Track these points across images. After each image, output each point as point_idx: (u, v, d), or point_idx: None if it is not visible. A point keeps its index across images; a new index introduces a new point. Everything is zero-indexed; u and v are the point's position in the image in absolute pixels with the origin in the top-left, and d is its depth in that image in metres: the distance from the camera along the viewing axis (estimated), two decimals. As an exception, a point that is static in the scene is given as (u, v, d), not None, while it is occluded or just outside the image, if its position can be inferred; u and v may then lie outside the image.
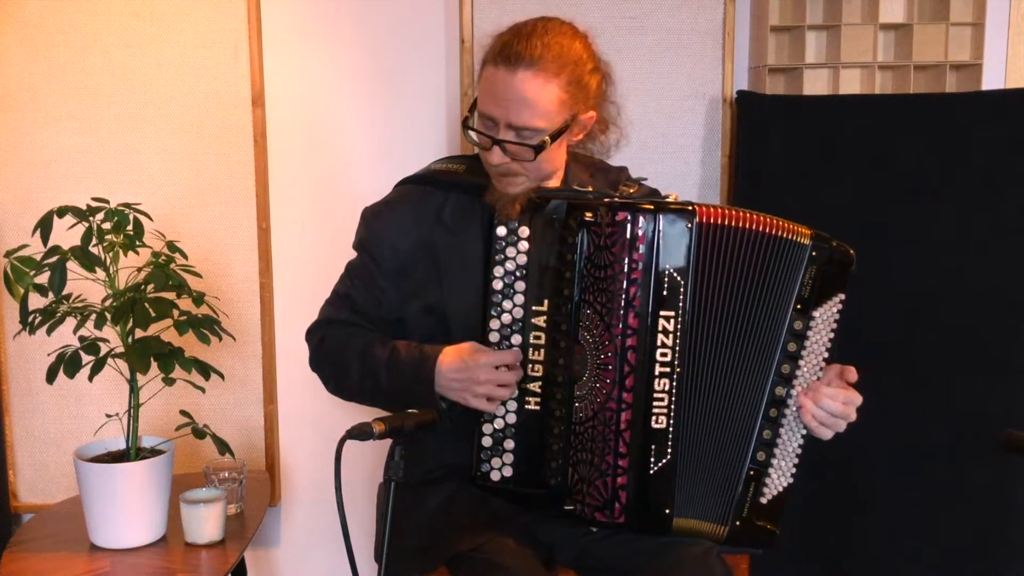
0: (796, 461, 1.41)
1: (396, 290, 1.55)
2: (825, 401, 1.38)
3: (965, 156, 2.12)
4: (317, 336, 1.59)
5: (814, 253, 1.37)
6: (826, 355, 1.40)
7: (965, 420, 2.14)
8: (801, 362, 1.39)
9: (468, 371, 1.41)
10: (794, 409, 1.40)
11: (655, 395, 1.37)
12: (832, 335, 1.40)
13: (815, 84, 2.21)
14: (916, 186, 2.13)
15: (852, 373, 1.42)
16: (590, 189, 1.46)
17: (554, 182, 1.55)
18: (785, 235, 1.37)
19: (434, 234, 1.53)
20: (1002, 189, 2.13)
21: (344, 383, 1.56)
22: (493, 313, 1.44)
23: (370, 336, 1.54)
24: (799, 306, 1.38)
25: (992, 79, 2.25)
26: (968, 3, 2.19)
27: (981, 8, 2.19)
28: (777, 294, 1.38)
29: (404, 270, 1.54)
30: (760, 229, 1.37)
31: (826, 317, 1.39)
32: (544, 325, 1.42)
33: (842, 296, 1.39)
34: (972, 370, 2.14)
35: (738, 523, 1.40)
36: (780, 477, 1.41)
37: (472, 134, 1.48)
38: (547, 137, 1.42)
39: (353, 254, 1.62)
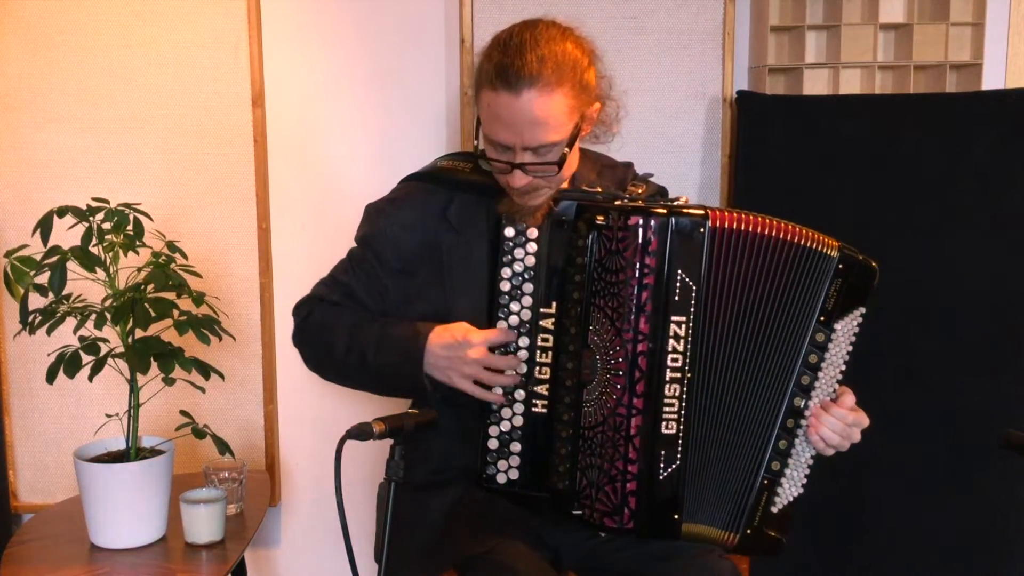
0: (807, 472, 1.41)
1: (400, 289, 1.53)
2: (832, 421, 1.37)
3: (965, 156, 2.12)
4: (305, 310, 1.57)
5: (841, 266, 1.35)
6: (843, 367, 1.39)
7: (965, 420, 2.14)
8: (820, 374, 1.38)
9: (457, 348, 1.39)
10: (807, 420, 1.39)
11: (665, 400, 1.35)
12: (850, 348, 1.38)
13: (815, 84, 2.21)
14: (916, 186, 2.13)
15: (851, 397, 1.41)
16: (599, 190, 1.43)
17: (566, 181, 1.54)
18: (811, 245, 1.35)
19: (439, 234, 1.50)
20: (1002, 189, 2.13)
21: (328, 358, 1.52)
22: (500, 315, 1.42)
23: (363, 313, 1.52)
24: (822, 318, 1.36)
25: (992, 79, 2.25)
26: (968, 3, 2.19)
27: (981, 8, 2.19)
28: (800, 304, 1.36)
29: (408, 270, 1.52)
30: (783, 236, 1.35)
31: (847, 330, 1.37)
32: (552, 327, 1.40)
33: (863, 310, 1.37)
34: (972, 370, 2.14)
35: (749, 531, 1.39)
36: (791, 487, 1.40)
37: (488, 163, 1.42)
38: (565, 148, 1.39)
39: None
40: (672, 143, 2.19)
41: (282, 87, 2.20)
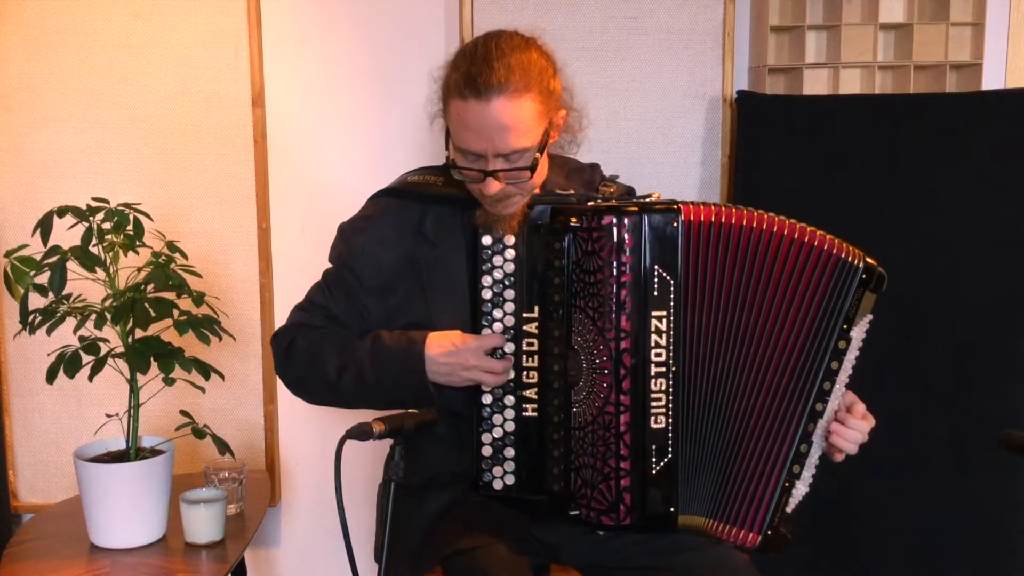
0: (814, 471, 1.42)
1: (381, 307, 1.53)
2: (854, 434, 1.39)
3: (965, 156, 2.12)
4: (286, 340, 1.55)
5: (864, 276, 1.35)
6: (851, 372, 1.40)
7: (965, 420, 2.14)
8: (837, 378, 1.38)
9: (458, 355, 1.41)
10: (824, 424, 1.40)
11: (652, 395, 1.36)
12: (858, 353, 1.39)
13: (815, 84, 2.21)
14: (916, 186, 2.13)
15: (861, 405, 1.42)
16: (572, 192, 1.45)
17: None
18: (840, 254, 1.35)
19: (416, 248, 1.51)
20: (1002, 189, 2.13)
21: (320, 382, 1.51)
22: (484, 323, 1.44)
23: (347, 332, 1.52)
24: (845, 326, 1.36)
25: (992, 79, 2.25)
26: (968, 3, 2.19)
27: (981, 8, 2.19)
28: (825, 311, 1.35)
29: (388, 287, 1.52)
30: (786, 233, 1.35)
31: (857, 337, 1.38)
32: (536, 331, 1.42)
33: (871, 316, 1.38)
34: (972, 370, 2.14)
35: (769, 532, 1.40)
36: (802, 486, 1.41)
37: (458, 173, 1.43)
38: (536, 153, 1.41)
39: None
40: (672, 143, 2.19)
41: (282, 87, 2.20)
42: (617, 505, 1.38)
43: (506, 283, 1.43)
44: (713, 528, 1.41)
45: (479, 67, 1.36)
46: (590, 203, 1.39)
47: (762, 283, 1.36)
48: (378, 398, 1.52)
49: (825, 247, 1.35)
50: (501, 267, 1.43)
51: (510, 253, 1.42)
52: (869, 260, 1.37)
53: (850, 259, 1.35)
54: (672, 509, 1.39)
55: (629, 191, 1.59)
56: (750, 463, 1.39)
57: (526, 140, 1.39)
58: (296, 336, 1.54)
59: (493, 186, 1.40)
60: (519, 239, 1.42)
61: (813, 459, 1.41)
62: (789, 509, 1.41)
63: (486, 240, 1.43)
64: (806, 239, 1.35)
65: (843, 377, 1.39)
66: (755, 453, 1.39)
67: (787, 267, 1.36)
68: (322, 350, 1.50)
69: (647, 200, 1.39)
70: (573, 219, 1.37)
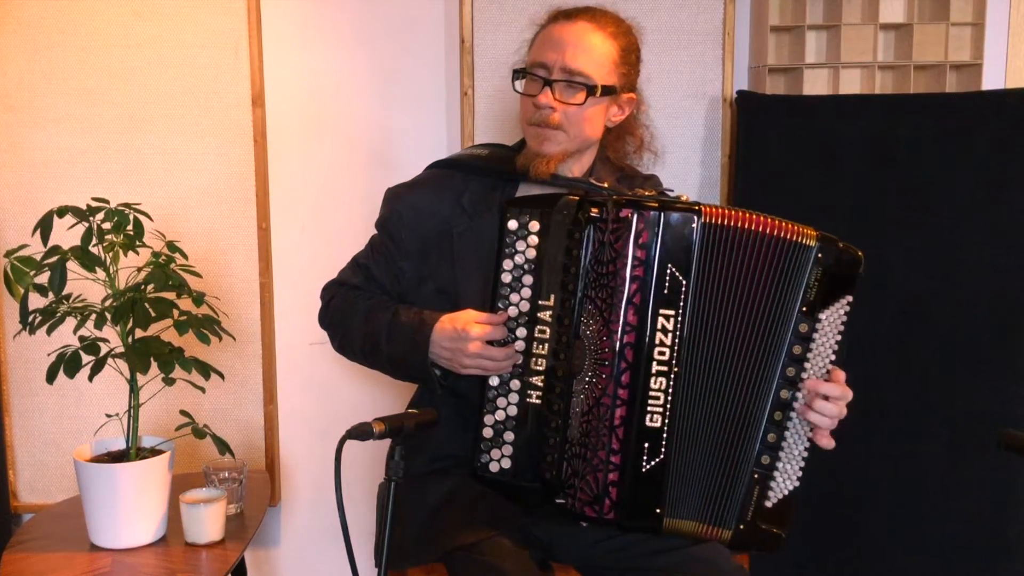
0: (802, 464, 1.40)
1: (414, 271, 1.60)
2: (827, 406, 1.36)
3: (965, 156, 2.12)
4: (328, 295, 1.67)
5: (820, 255, 1.35)
6: (833, 357, 1.39)
7: (965, 420, 2.14)
8: (807, 364, 1.38)
9: (459, 342, 1.44)
10: (798, 413, 1.39)
11: (651, 393, 1.36)
12: (839, 337, 1.38)
13: (815, 84, 2.21)
14: (916, 186, 2.13)
15: (840, 373, 1.40)
16: (606, 185, 1.48)
17: (584, 162, 1.59)
18: (790, 236, 1.35)
19: (452, 218, 1.57)
20: (1002, 189, 2.13)
21: (347, 343, 1.62)
22: (500, 306, 1.45)
23: (376, 299, 1.60)
24: (804, 308, 1.36)
25: (992, 79, 2.25)
26: (968, 3, 2.19)
27: (981, 8, 2.19)
28: (781, 296, 1.36)
29: (423, 252, 1.58)
30: (764, 230, 1.35)
31: (833, 320, 1.37)
32: (549, 320, 1.42)
33: (850, 298, 1.37)
34: (972, 370, 2.14)
35: (742, 527, 1.40)
36: (785, 481, 1.40)
37: (520, 83, 1.54)
38: (599, 84, 1.50)
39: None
40: (672, 143, 2.19)
41: (282, 87, 2.20)
42: (602, 498, 1.38)
43: (525, 268, 1.44)
44: (696, 531, 1.41)
45: (577, 8, 1.55)
46: (614, 196, 1.39)
47: (751, 282, 1.36)
48: (391, 369, 1.60)
49: (775, 232, 1.35)
50: (523, 252, 1.44)
51: (533, 239, 1.43)
52: (830, 240, 1.36)
53: (799, 239, 1.35)
54: (658, 510, 1.38)
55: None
56: (724, 458, 1.39)
57: (592, 69, 1.50)
58: (336, 294, 1.66)
59: (545, 96, 1.50)
60: (543, 225, 1.43)
61: (795, 451, 1.40)
62: (769, 504, 1.40)
63: (511, 224, 1.44)
64: (763, 228, 1.35)
65: (817, 362, 1.38)
66: (727, 447, 1.39)
67: (759, 260, 1.36)
68: (352, 313, 1.59)
69: (670, 199, 1.39)
70: (594, 210, 1.38)
